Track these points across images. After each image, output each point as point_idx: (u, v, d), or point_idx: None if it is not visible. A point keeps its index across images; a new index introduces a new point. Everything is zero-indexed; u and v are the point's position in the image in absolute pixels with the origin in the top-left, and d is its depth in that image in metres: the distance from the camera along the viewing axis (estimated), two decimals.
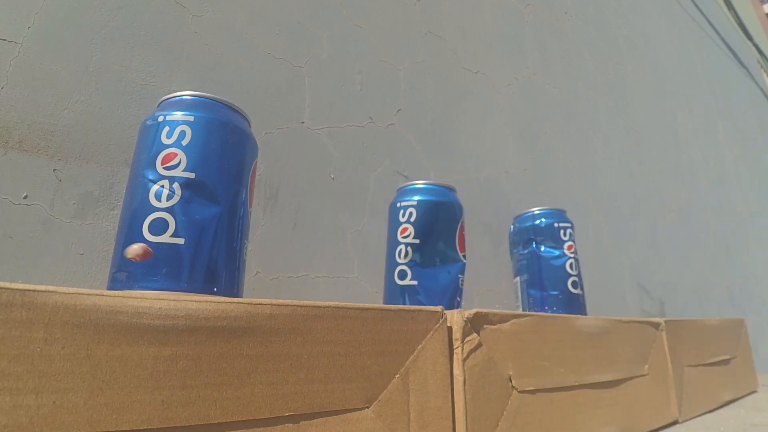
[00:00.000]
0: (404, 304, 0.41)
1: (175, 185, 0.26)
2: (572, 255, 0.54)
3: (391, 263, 0.42)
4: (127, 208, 0.27)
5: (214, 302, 0.22)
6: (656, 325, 0.51)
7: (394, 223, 0.43)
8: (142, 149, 0.28)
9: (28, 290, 0.17)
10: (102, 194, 0.36)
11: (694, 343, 0.57)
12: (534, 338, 0.37)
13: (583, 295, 0.54)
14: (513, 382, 0.34)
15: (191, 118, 0.27)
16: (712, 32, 2.07)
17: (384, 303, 0.44)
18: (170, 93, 0.30)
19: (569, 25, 1.03)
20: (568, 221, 0.56)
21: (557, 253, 0.54)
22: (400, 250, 0.41)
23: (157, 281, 0.25)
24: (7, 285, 0.17)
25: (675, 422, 0.50)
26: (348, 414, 0.25)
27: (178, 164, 0.26)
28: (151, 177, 0.26)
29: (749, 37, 2.77)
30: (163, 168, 0.26)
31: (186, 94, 0.29)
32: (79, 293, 0.18)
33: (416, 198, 0.42)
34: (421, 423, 0.28)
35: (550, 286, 0.53)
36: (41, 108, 0.34)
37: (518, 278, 0.57)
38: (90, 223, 0.35)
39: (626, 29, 1.29)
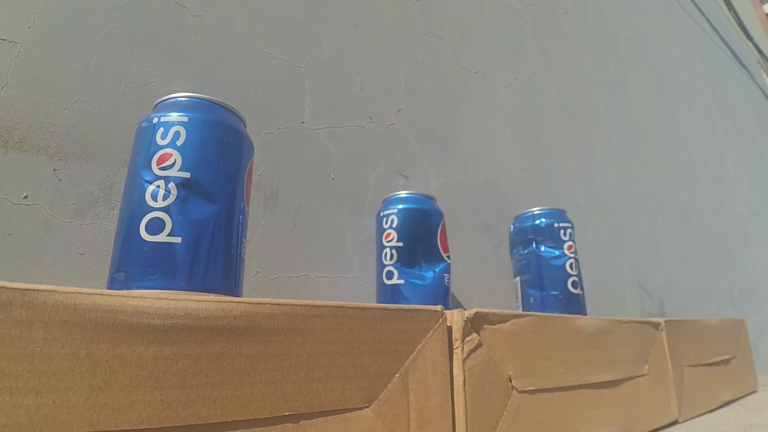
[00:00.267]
0: (392, 302, 0.43)
1: (171, 185, 0.26)
2: (572, 255, 0.54)
3: (380, 265, 0.46)
4: (125, 209, 0.27)
5: (214, 302, 0.22)
6: (656, 325, 0.51)
7: (379, 230, 0.47)
8: (138, 150, 0.28)
9: (28, 290, 0.17)
10: (102, 194, 0.36)
11: (694, 343, 0.57)
12: (534, 338, 0.37)
13: (583, 295, 0.54)
14: (513, 382, 0.34)
15: (185, 119, 0.28)
16: (712, 32, 2.07)
17: (377, 303, 0.46)
18: (170, 93, 0.30)
19: (569, 25, 1.03)
20: (568, 221, 0.56)
21: (557, 253, 0.54)
22: (386, 253, 0.45)
23: (155, 280, 0.25)
24: (7, 284, 0.17)
25: (675, 422, 0.50)
26: (348, 413, 0.25)
27: (173, 164, 0.27)
28: (147, 177, 0.26)
29: (749, 37, 2.77)
30: (159, 168, 0.26)
31: (180, 95, 0.29)
32: (78, 293, 0.18)
33: (398, 206, 0.46)
34: (421, 423, 0.28)
35: (550, 286, 0.53)
36: (41, 108, 0.34)
37: (518, 278, 0.57)
38: (90, 223, 0.35)
39: (626, 29, 1.29)
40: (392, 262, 0.44)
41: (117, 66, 0.39)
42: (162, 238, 0.25)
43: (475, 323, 0.32)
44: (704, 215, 1.38)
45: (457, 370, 0.31)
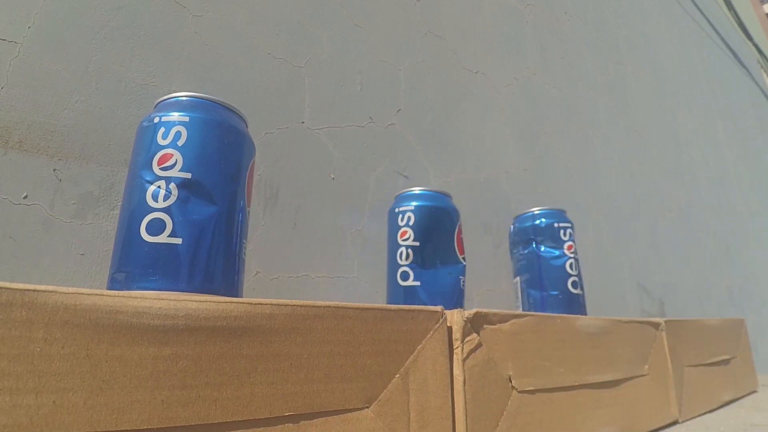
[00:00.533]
0: (407, 304, 0.40)
1: (172, 185, 0.26)
2: (572, 255, 0.54)
3: (393, 265, 0.43)
4: (126, 209, 0.27)
5: (214, 302, 0.22)
6: (656, 325, 0.51)
7: (393, 228, 0.44)
8: (139, 150, 0.28)
9: (28, 290, 0.17)
10: (102, 194, 0.36)
11: (694, 343, 0.57)
12: (534, 338, 0.37)
13: (583, 295, 0.54)
14: (513, 382, 0.34)
15: (187, 119, 0.28)
16: (712, 32, 2.07)
17: (387, 304, 0.44)
18: (169, 93, 0.30)
19: (569, 25, 1.03)
20: (568, 221, 0.56)
21: (557, 253, 0.54)
22: (401, 252, 0.43)
23: (155, 281, 0.25)
24: (7, 285, 0.17)
25: (675, 422, 0.50)
26: (348, 414, 0.25)
27: (174, 164, 0.26)
28: (147, 178, 0.26)
29: (749, 37, 2.77)
30: (160, 168, 0.26)
31: (182, 95, 0.29)
32: (79, 293, 0.18)
33: (414, 203, 0.44)
34: (421, 423, 0.28)
35: (550, 286, 0.53)
36: (41, 108, 0.34)
37: (518, 278, 0.57)
38: (90, 223, 0.35)
39: (626, 29, 1.29)
40: (407, 262, 0.42)
41: (117, 66, 0.39)
42: (162, 239, 0.25)
43: (475, 323, 0.32)
44: (704, 215, 1.38)
45: (457, 370, 0.31)
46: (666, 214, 1.17)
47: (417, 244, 0.42)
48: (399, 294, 0.42)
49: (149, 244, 0.25)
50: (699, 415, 0.54)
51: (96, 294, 0.19)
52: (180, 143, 0.27)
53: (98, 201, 0.36)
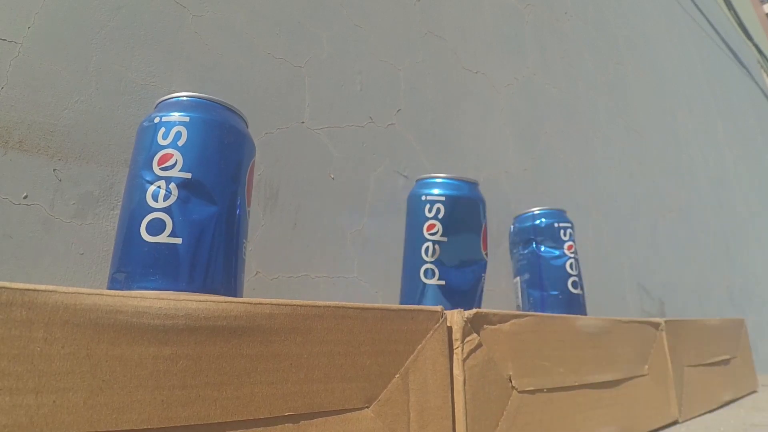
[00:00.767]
0: (428, 303, 0.39)
1: (172, 185, 0.26)
2: (572, 255, 0.54)
3: (415, 260, 0.40)
4: (126, 209, 0.27)
5: (214, 302, 0.22)
6: (656, 325, 0.51)
7: (418, 217, 0.41)
8: (139, 150, 0.28)
9: (28, 290, 0.17)
10: (102, 194, 0.36)
11: (694, 343, 0.57)
12: (534, 338, 0.37)
13: (583, 295, 0.54)
14: (513, 382, 0.34)
15: (187, 119, 0.28)
16: (712, 32, 2.07)
17: (402, 301, 0.42)
18: (169, 93, 0.30)
19: (569, 25, 1.03)
20: (568, 221, 0.56)
21: (557, 253, 0.54)
22: (427, 247, 0.39)
23: (155, 281, 0.25)
24: (7, 285, 0.17)
25: (675, 422, 0.50)
26: (348, 414, 0.25)
27: (174, 164, 0.26)
28: (148, 178, 0.26)
29: (749, 37, 2.77)
30: (160, 168, 0.26)
31: (182, 95, 0.29)
32: (79, 293, 0.18)
33: (445, 193, 0.41)
34: (421, 423, 0.28)
35: (550, 286, 0.53)
36: (41, 108, 0.34)
37: (518, 278, 0.57)
38: (90, 223, 0.35)
39: (626, 29, 1.29)
40: (433, 258, 0.39)
41: (117, 66, 0.39)
42: (163, 239, 0.25)
43: (475, 323, 0.32)
44: (704, 215, 1.38)
45: (457, 370, 0.31)
46: (666, 214, 1.17)
47: (445, 239, 0.39)
48: (419, 291, 0.40)
49: (149, 244, 0.25)
50: (699, 415, 0.54)
51: (96, 294, 0.19)
52: (180, 143, 0.27)
53: (98, 201, 0.36)
